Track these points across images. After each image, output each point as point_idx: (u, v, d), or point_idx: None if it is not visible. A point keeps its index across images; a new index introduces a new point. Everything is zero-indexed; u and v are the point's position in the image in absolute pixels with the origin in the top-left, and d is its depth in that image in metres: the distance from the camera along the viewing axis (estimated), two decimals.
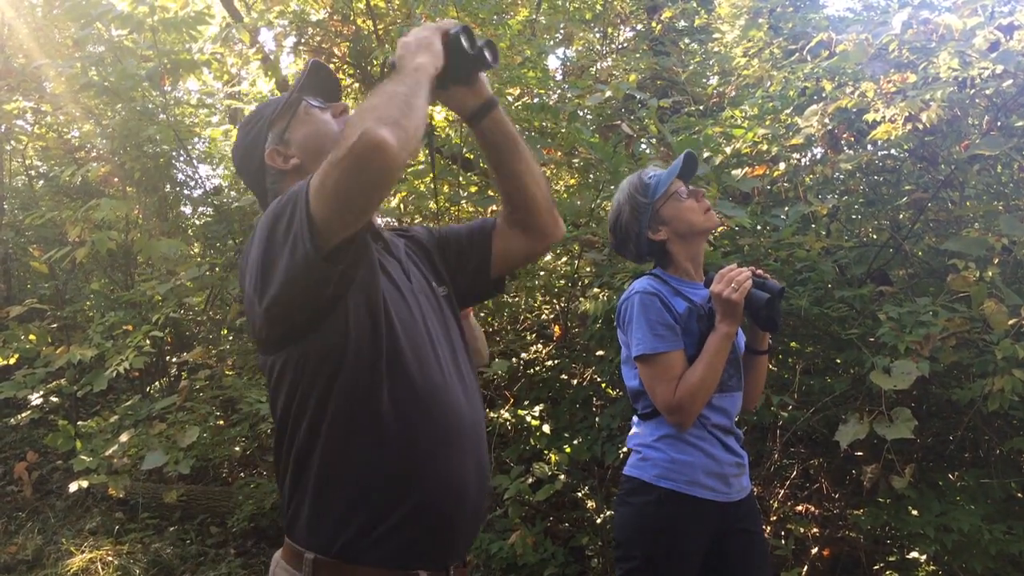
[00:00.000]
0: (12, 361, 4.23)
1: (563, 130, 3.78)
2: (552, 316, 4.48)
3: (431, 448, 1.23)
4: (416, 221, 4.53)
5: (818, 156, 3.40)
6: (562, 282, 4.16)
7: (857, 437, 2.42)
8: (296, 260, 1.12)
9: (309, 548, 1.20)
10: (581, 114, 4.13)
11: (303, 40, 5.14)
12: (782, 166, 3.26)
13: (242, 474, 4.87)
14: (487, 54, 1.34)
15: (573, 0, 6.09)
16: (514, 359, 4.15)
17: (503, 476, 3.40)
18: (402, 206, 4.49)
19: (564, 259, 4.14)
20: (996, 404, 2.42)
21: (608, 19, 6.39)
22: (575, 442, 3.51)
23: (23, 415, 4.25)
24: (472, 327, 1.50)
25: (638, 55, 5.44)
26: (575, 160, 3.89)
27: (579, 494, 3.77)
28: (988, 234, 2.64)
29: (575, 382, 3.99)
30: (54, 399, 4.48)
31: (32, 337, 4.31)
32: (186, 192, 5.25)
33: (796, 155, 3.32)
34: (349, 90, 5.35)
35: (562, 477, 3.39)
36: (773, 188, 3.36)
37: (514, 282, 4.17)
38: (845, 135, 3.19)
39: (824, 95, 3.29)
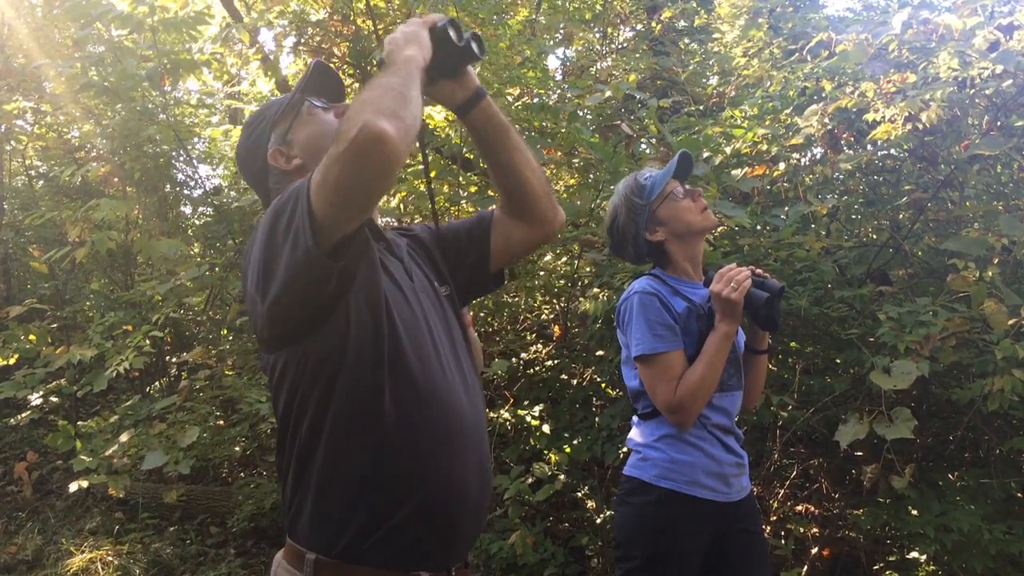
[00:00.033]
0: (12, 361, 4.24)
1: (563, 130, 3.78)
2: (552, 316, 4.48)
3: (433, 448, 1.23)
4: (416, 221, 4.53)
5: (818, 156, 3.40)
6: (562, 282, 4.16)
7: (857, 437, 2.42)
8: (297, 256, 1.12)
9: (310, 548, 1.20)
10: (581, 114, 4.13)
11: (303, 40, 5.14)
12: (782, 166, 3.26)
13: (242, 474, 4.87)
14: (474, 46, 1.34)
15: (573, 0, 6.09)
16: (514, 359, 4.15)
17: (503, 476, 3.40)
18: (402, 206, 4.49)
19: (564, 259, 4.14)
20: (996, 404, 2.42)
21: (608, 19, 6.39)
22: (575, 442, 3.51)
23: (23, 415, 4.25)
24: (472, 340, 1.50)
25: (638, 55, 5.44)
26: (575, 160, 3.89)
27: (579, 494, 3.77)
28: (988, 234, 2.64)
29: (575, 382, 3.99)
30: (54, 399, 4.48)
31: (32, 337, 4.31)
32: (186, 192, 5.25)
33: (796, 155, 3.32)
34: (350, 90, 5.35)
35: (562, 477, 3.39)
36: (773, 188, 3.36)
37: (514, 282, 4.17)
38: (845, 135, 3.19)
39: (824, 95, 3.29)
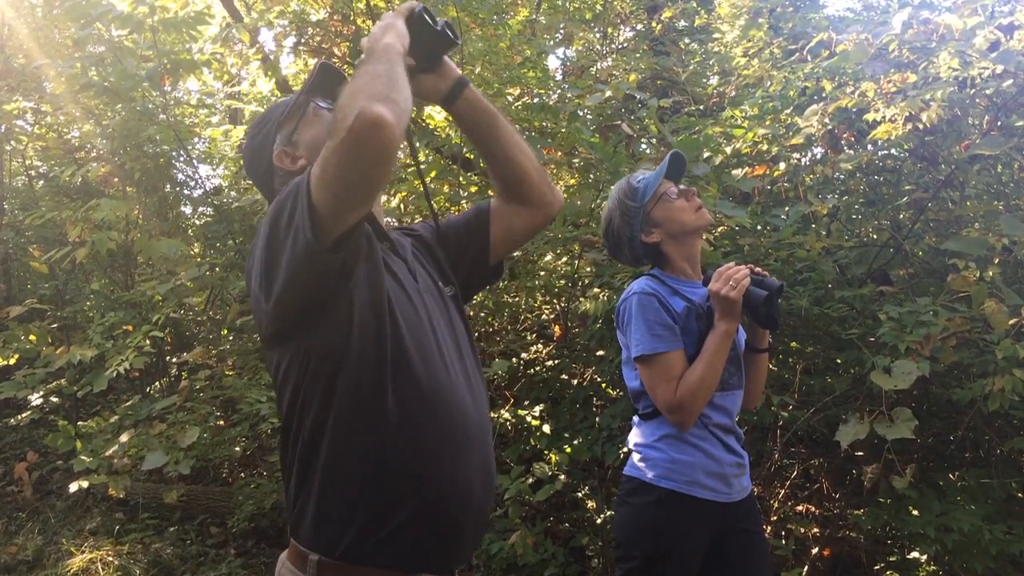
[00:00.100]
0: (12, 361, 4.24)
1: (563, 130, 3.78)
2: (552, 316, 4.47)
3: (436, 448, 1.22)
4: (416, 221, 4.53)
5: (818, 156, 3.40)
6: (562, 282, 4.16)
7: (857, 437, 2.42)
8: (298, 251, 1.12)
9: (313, 549, 1.20)
10: (581, 114, 4.12)
11: (303, 40, 5.14)
12: (782, 166, 3.25)
13: (242, 474, 4.87)
14: (449, 32, 1.36)
15: (573, 0, 6.09)
16: (514, 359, 4.15)
17: (503, 476, 3.40)
18: (402, 206, 4.49)
19: (564, 259, 4.14)
20: (996, 404, 2.42)
21: (608, 19, 6.39)
22: (575, 442, 3.51)
23: (23, 415, 4.25)
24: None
25: (638, 55, 5.44)
26: (575, 160, 3.89)
27: (579, 494, 3.77)
28: (988, 234, 2.64)
29: (575, 382, 3.99)
30: (54, 399, 4.48)
31: (32, 337, 4.31)
32: (186, 192, 5.25)
33: (796, 155, 3.32)
34: None
35: (562, 477, 3.38)
36: (773, 188, 3.36)
37: (514, 282, 4.17)
38: (845, 135, 3.19)
39: (824, 95, 3.28)
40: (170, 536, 4.30)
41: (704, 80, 5.22)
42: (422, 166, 4.17)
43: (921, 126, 2.74)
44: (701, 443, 1.91)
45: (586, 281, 4.00)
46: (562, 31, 5.89)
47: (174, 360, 5.13)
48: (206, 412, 3.88)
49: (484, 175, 4.21)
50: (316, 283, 1.16)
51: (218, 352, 4.47)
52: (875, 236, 3.52)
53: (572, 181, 4.08)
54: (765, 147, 3.22)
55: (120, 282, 5.27)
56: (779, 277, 2.73)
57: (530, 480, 3.39)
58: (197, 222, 5.36)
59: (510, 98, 4.37)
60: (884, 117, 2.77)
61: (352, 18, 4.91)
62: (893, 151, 3.35)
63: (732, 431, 1.99)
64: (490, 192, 4.26)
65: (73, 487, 3.55)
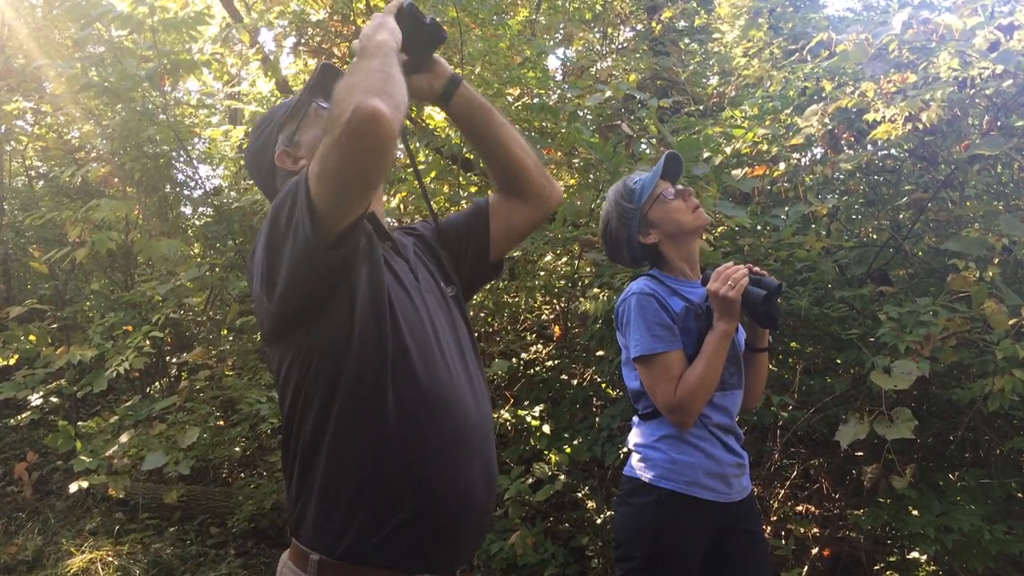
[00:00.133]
0: (12, 361, 4.23)
1: (563, 130, 3.78)
2: (552, 316, 4.47)
3: (437, 448, 1.22)
4: (416, 220, 4.52)
5: (818, 156, 3.40)
6: (562, 282, 4.16)
7: (857, 437, 2.41)
8: (298, 249, 1.12)
9: (314, 549, 1.20)
10: (581, 114, 4.12)
11: (303, 40, 5.14)
12: (782, 166, 3.26)
13: (242, 474, 4.87)
14: (437, 27, 1.37)
15: (573, 0, 6.09)
16: (514, 359, 4.15)
17: (503, 476, 3.40)
18: (402, 206, 4.49)
19: (564, 259, 4.14)
20: (996, 404, 2.42)
21: (608, 19, 6.39)
22: (575, 442, 3.51)
23: (23, 415, 4.26)
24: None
25: (638, 55, 5.44)
26: (575, 160, 3.89)
27: (579, 494, 3.77)
28: (988, 234, 2.64)
29: (575, 382, 3.99)
30: (54, 399, 4.48)
31: (32, 337, 4.31)
32: (186, 192, 5.25)
33: (796, 155, 3.32)
34: None
35: (562, 477, 3.39)
36: (773, 188, 3.36)
37: (514, 282, 4.17)
38: (845, 135, 3.19)
39: (824, 95, 3.28)
40: (170, 536, 4.30)
41: (704, 80, 5.22)
42: (423, 166, 4.18)
43: (921, 126, 2.74)
44: (701, 443, 1.91)
45: (586, 281, 4.00)
46: (562, 31, 5.89)
47: (174, 360, 5.13)
48: (206, 412, 3.88)
49: (484, 175, 4.22)
50: (317, 281, 1.16)
51: (218, 352, 4.47)
52: (875, 236, 3.52)
53: (572, 181, 4.08)
54: (765, 147, 3.22)
55: (120, 282, 5.27)
56: (779, 277, 2.73)
57: (530, 480, 3.39)
58: (197, 222, 5.36)
59: (510, 98, 4.38)
60: (884, 117, 2.77)
61: (352, 18, 4.91)
62: (893, 151, 3.35)
63: (732, 431, 1.99)
64: (490, 192, 4.26)
65: (73, 487, 3.55)
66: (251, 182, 4.81)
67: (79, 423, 4.36)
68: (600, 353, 3.63)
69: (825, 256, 3.06)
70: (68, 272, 5.34)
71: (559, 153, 3.94)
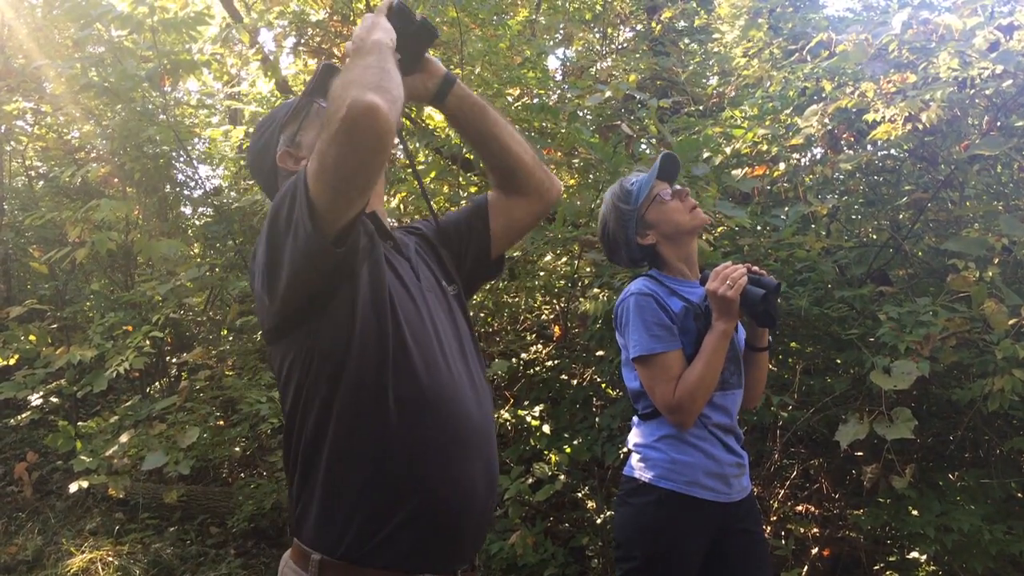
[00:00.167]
0: (12, 361, 4.24)
1: (563, 130, 3.78)
2: (552, 316, 4.47)
3: (438, 448, 1.22)
4: (416, 219, 4.52)
5: (818, 156, 3.40)
6: (562, 282, 4.16)
7: (857, 437, 2.42)
8: (299, 247, 1.12)
9: (316, 549, 1.20)
10: (581, 114, 4.13)
11: (303, 40, 5.14)
12: (782, 166, 3.26)
13: (242, 474, 4.87)
14: (427, 26, 1.38)
15: (573, 0, 6.09)
16: (514, 359, 4.15)
17: (503, 476, 3.40)
18: (402, 206, 4.49)
19: (564, 259, 4.14)
20: (996, 404, 2.42)
21: (608, 19, 6.39)
22: (575, 442, 3.51)
23: (23, 416, 4.26)
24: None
25: (638, 55, 5.44)
26: (575, 160, 3.89)
27: (579, 494, 3.77)
28: (988, 234, 2.64)
29: (575, 382, 3.99)
30: (54, 400, 4.48)
31: (32, 338, 4.31)
32: (186, 192, 5.25)
33: (796, 155, 3.32)
34: None
35: (562, 477, 3.39)
36: (773, 188, 3.36)
37: (514, 282, 4.17)
38: (845, 135, 3.19)
39: (824, 95, 3.29)
40: (170, 536, 4.30)
41: (704, 80, 5.23)
42: (422, 166, 4.18)
43: (921, 126, 2.74)
44: (701, 443, 1.91)
45: (586, 281, 4.00)
46: (562, 31, 5.89)
47: (174, 360, 5.13)
48: (206, 412, 3.88)
49: (483, 175, 4.22)
50: (318, 280, 1.16)
51: (218, 352, 4.47)
52: (875, 236, 3.52)
53: (572, 181, 4.08)
54: (765, 147, 3.22)
55: (120, 282, 5.27)
56: (779, 277, 2.74)
57: (530, 480, 3.39)
58: (197, 222, 5.36)
59: (510, 98, 4.38)
60: (884, 117, 2.77)
61: (352, 18, 4.91)
62: (893, 151, 3.35)
63: (732, 431, 1.99)
64: (490, 192, 4.26)
65: (73, 487, 3.55)
66: (251, 182, 4.82)
67: (79, 423, 4.36)
68: (600, 353, 3.63)
69: (825, 256, 3.06)
70: (68, 272, 5.35)
71: (559, 153, 3.94)
